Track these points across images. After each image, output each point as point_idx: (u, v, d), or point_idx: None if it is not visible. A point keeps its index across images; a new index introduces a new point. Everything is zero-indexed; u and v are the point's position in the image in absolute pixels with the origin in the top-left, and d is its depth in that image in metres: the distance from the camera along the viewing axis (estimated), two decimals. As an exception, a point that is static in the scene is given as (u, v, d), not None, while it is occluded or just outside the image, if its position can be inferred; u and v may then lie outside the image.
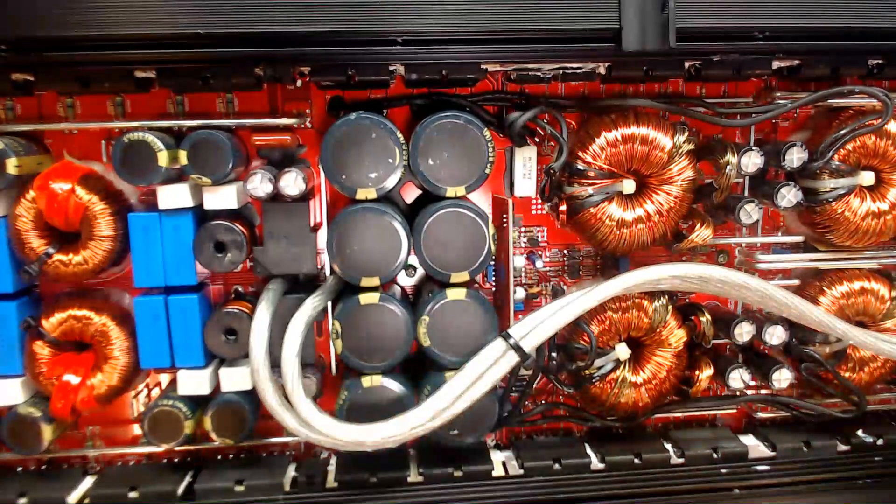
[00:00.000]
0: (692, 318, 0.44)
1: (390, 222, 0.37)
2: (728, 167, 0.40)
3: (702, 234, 0.41)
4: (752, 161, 0.40)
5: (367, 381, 0.39)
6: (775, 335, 0.44)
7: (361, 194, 0.38)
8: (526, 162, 0.43)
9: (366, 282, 0.38)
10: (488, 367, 0.38)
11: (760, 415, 0.48)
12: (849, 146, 0.41)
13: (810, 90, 0.41)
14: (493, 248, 0.39)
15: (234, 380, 0.40)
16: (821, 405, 0.46)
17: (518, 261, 0.44)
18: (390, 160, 0.38)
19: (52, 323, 0.39)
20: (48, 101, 0.41)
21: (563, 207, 0.42)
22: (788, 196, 0.41)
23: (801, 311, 0.40)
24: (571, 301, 0.39)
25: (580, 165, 0.40)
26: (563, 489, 0.43)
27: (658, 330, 0.43)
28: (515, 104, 0.42)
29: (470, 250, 0.38)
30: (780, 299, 0.39)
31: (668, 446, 0.45)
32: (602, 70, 0.40)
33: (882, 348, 0.41)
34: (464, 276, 0.39)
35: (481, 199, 0.45)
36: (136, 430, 0.45)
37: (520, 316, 0.40)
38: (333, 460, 0.44)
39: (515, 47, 0.37)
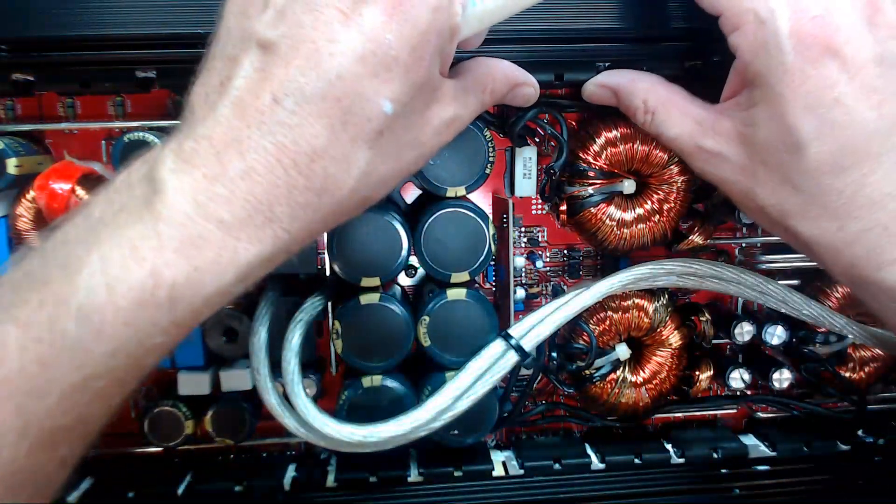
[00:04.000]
0: (692, 318, 0.45)
1: (390, 222, 0.37)
2: (728, 167, 0.40)
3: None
4: (753, 161, 0.40)
5: (367, 381, 0.39)
6: (775, 335, 0.44)
7: (361, 194, 0.38)
8: (526, 162, 0.43)
9: (366, 282, 0.38)
10: (488, 367, 0.38)
11: (760, 415, 0.48)
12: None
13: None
14: (493, 248, 0.39)
15: (234, 380, 0.40)
16: (821, 405, 0.46)
17: (518, 261, 0.44)
18: (390, 160, 0.38)
19: (52, 323, 0.39)
20: (48, 101, 0.41)
21: (563, 207, 0.42)
22: (788, 196, 0.41)
23: (798, 305, 0.40)
24: (571, 299, 0.39)
25: (580, 165, 0.40)
26: (563, 489, 0.43)
27: (658, 330, 0.43)
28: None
29: (470, 250, 0.38)
30: (776, 294, 0.40)
31: (668, 446, 0.45)
32: (603, 70, 0.40)
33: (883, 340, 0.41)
34: (464, 276, 0.39)
35: (481, 199, 0.45)
36: (136, 430, 0.45)
37: (520, 316, 0.40)
38: (333, 460, 0.44)
39: (516, 47, 0.37)
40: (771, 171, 0.31)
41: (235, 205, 0.24)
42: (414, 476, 0.42)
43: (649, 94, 0.35)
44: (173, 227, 0.23)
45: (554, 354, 0.43)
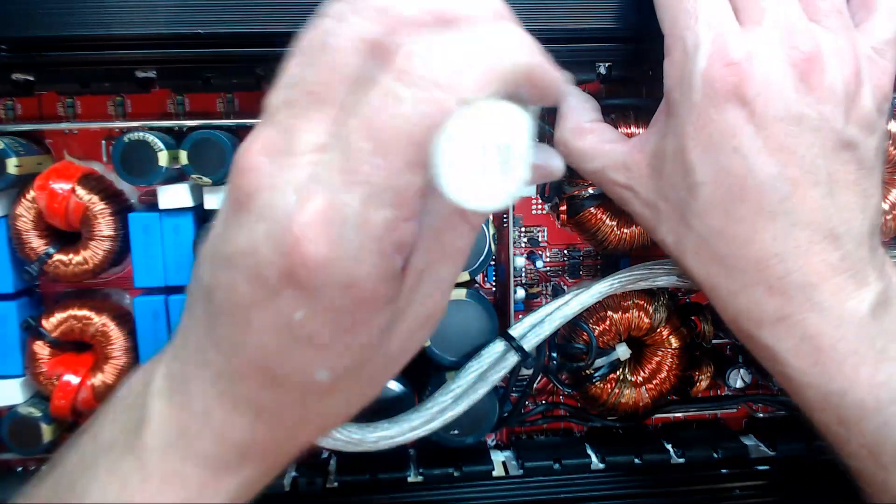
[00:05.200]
0: (692, 318, 0.44)
1: (390, 222, 0.37)
2: (728, 167, 0.40)
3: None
4: (753, 161, 0.40)
5: (367, 381, 0.39)
6: (775, 335, 0.44)
7: (361, 194, 0.38)
8: (526, 162, 0.43)
9: (366, 282, 0.38)
10: (489, 367, 0.38)
11: (760, 415, 0.48)
12: (849, 146, 0.40)
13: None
14: (493, 248, 0.39)
15: (234, 380, 0.40)
16: (821, 405, 0.46)
17: (518, 261, 0.44)
18: (390, 160, 0.38)
19: (52, 323, 0.39)
20: (48, 101, 0.41)
21: (563, 207, 0.42)
22: (788, 196, 0.41)
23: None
24: (571, 299, 0.39)
25: (580, 165, 0.40)
26: (563, 489, 0.43)
27: (658, 330, 0.43)
28: (515, 104, 0.42)
29: (470, 250, 0.38)
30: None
31: (668, 446, 0.45)
32: (602, 70, 0.40)
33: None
34: (464, 276, 0.39)
35: (481, 199, 0.45)
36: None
37: (520, 316, 0.40)
38: (333, 460, 0.44)
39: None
40: (671, 206, 0.31)
41: (214, 439, 0.23)
42: (414, 477, 0.42)
43: (567, 132, 0.35)
44: (155, 460, 0.23)
45: (554, 354, 0.43)
